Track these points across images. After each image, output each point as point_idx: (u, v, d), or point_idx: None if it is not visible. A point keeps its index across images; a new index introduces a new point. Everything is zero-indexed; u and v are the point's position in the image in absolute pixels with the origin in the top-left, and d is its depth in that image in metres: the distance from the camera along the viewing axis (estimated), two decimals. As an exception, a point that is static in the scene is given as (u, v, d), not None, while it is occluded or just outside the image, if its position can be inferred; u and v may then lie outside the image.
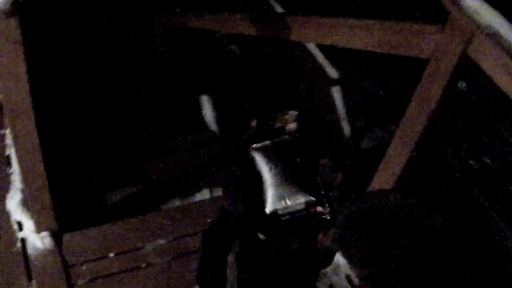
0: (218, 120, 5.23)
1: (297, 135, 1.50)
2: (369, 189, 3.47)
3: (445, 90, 2.93)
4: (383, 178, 3.45)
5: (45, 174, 3.25)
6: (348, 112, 5.09)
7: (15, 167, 3.85)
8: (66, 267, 3.54)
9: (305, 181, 1.48)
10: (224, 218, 1.52)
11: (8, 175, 3.90)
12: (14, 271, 3.50)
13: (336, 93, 5.08)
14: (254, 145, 1.49)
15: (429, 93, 3.00)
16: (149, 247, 3.72)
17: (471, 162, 4.10)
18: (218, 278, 1.45)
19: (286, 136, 1.50)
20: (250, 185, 1.42)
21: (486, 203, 3.31)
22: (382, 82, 5.53)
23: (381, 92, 5.51)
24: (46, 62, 4.08)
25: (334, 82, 5.05)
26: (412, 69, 3.24)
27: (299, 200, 1.42)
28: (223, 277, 1.44)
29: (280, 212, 1.40)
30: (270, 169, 1.44)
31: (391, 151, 3.38)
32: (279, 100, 5.38)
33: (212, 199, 4.18)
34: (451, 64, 2.84)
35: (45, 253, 3.54)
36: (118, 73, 5.22)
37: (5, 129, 4.15)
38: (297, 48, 5.19)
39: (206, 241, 1.60)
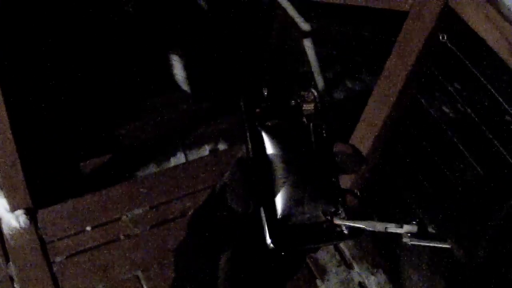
0: (189, 79, 5.13)
1: (314, 120, 1.21)
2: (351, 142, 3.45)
3: (426, 43, 2.87)
4: (364, 132, 3.41)
5: (16, 150, 3.14)
6: (320, 64, 5.00)
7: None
8: (43, 244, 3.44)
9: (325, 180, 1.23)
10: (222, 212, 1.27)
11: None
12: (-10, 253, 3.40)
13: (308, 45, 4.98)
14: (267, 123, 1.20)
15: (409, 47, 2.93)
16: (125, 217, 3.64)
17: (445, 109, 4.08)
18: (206, 273, 1.29)
19: (304, 119, 1.22)
20: (259, 180, 1.18)
21: (463, 148, 3.29)
22: (353, 34, 5.48)
23: (351, 43, 5.46)
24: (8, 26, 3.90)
25: (305, 34, 4.94)
26: (384, 20, 3.18)
27: (319, 206, 1.18)
28: (212, 272, 1.28)
29: (294, 218, 1.17)
30: (285, 160, 1.19)
31: (372, 104, 3.32)
32: (249, 54, 5.29)
33: (187, 163, 4.10)
34: (432, 16, 2.76)
35: (21, 232, 3.43)
36: (84, 36, 5.06)
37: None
38: (266, 1, 5.10)
39: (195, 231, 1.38)
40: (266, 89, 1.19)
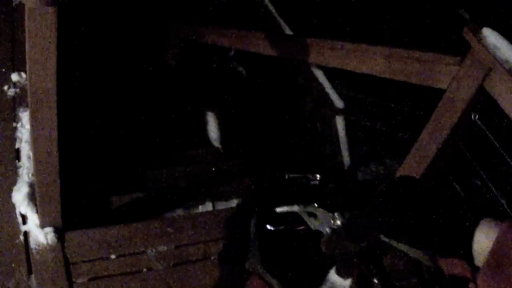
0: (222, 137, 5.29)
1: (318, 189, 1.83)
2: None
3: (459, 121, 3.03)
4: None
5: (58, 169, 3.27)
6: (348, 144, 5.11)
7: (24, 161, 3.89)
8: (67, 264, 3.55)
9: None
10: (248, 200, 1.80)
11: (16, 168, 3.92)
12: (15, 263, 3.50)
13: (340, 123, 5.11)
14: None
15: (442, 122, 3.10)
16: (150, 252, 3.75)
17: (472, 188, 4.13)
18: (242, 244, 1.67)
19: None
20: (273, 197, 1.70)
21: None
22: (380, 116, 5.61)
23: (378, 126, 5.59)
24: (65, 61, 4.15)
25: (339, 112, 5.10)
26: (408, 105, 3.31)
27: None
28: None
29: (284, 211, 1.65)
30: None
31: (399, 175, 3.43)
32: (283, 123, 5.46)
33: (215, 211, 4.23)
34: (467, 96, 2.94)
35: (47, 249, 3.55)
36: (129, 82, 5.30)
37: (17, 122, 4.24)
38: (305, 74, 5.26)
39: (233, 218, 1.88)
40: (286, 174, 1.74)
